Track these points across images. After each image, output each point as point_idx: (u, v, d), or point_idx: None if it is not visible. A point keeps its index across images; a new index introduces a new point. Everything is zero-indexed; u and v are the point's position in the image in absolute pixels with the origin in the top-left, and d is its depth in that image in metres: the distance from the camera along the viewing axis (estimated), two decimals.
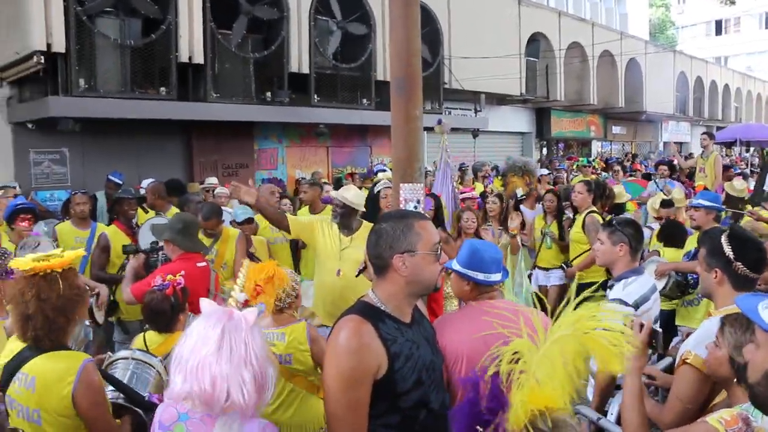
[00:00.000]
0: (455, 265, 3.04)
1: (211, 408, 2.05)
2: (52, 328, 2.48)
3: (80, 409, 2.44)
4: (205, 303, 2.22)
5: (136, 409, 2.73)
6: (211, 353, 2.04)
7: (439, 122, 7.00)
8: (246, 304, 2.48)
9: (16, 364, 2.49)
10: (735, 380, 2.23)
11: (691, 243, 5.72)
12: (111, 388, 2.73)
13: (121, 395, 2.74)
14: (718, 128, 26.00)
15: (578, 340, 1.45)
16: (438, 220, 6.01)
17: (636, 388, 2.49)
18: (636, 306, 3.54)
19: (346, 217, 5.11)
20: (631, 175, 13.97)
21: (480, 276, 2.96)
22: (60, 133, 9.11)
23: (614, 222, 3.88)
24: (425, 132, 5.57)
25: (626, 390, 2.53)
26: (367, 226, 5.33)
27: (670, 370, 3.45)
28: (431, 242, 2.26)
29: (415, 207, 4.88)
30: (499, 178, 8.62)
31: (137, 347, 3.35)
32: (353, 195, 5.22)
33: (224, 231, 5.63)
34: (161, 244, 4.73)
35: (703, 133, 10.58)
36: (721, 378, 2.37)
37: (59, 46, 8.37)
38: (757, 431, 1.98)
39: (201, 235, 5.32)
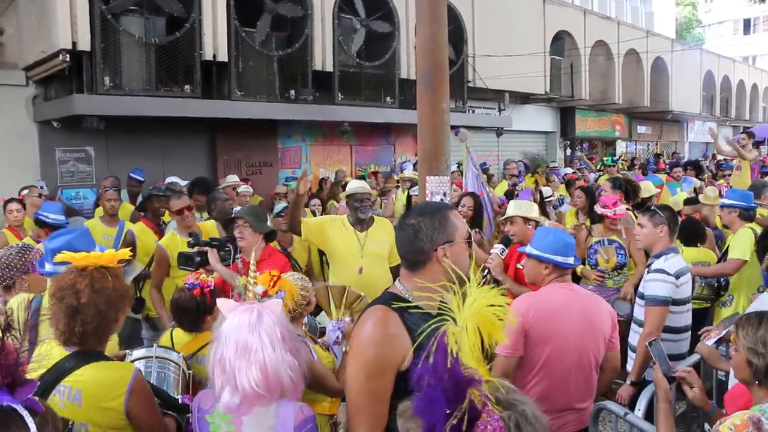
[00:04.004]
0: (533, 251, 3.36)
1: (267, 402, 2.19)
2: (101, 324, 2.40)
3: (135, 419, 2.38)
4: (222, 303, 2.30)
5: (173, 414, 2.69)
6: (255, 353, 2.15)
7: (457, 133, 6.95)
8: (265, 294, 2.44)
9: (55, 376, 2.34)
10: (756, 382, 2.28)
11: (728, 242, 5.63)
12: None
13: (157, 400, 2.66)
14: (745, 128, 25.59)
15: (475, 315, 1.46)
16: (476, 220, 5.84)
17: (667, 411, 2.80)
18: (677, 276, 3.96)
19: (372, 209, 5.06)
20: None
21: (559, 259, 3.27)
22: (85, 131, 9.16)
23: (653, 207, 4.30)
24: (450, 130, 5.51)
25: (659, 413, 2.81)
26: (380, 221, 5.25)
27: (697, 366, 3.77)
28: (465, 230, 2.30)
29: (441, 199, 4.83)
30: (530, 175, 8.56)
31: (163, 344, 3.32)
32: (364, 183, 5.18)
33: (201, 226, 5.47)
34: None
35: (743, 132, 10.25)
36: (744, 380, 2.41)
37: (84, 44, 8.41)
38: None
39: (181, 238, 5.20)
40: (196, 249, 4.49)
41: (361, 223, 5.04)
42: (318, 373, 2.89)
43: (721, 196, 6.75)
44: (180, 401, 2.78)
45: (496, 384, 1.35)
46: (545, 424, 1.33)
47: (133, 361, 2.90)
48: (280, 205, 6.26)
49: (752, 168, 9.40)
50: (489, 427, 1.24)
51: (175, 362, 2.96)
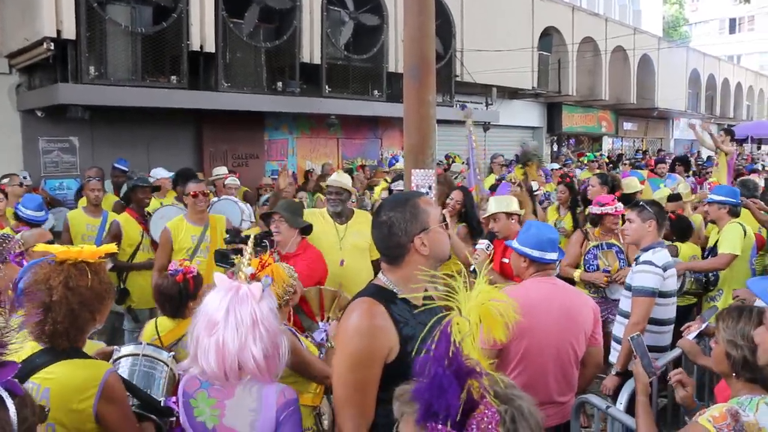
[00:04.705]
0: (514, 243, 3.40)
1: (223, 382, 2.18)
2: (74, 324, 2.26)
3: (105, 423, 2.25)
4: (217, 277, 2.30)
5: (152, 417, 2.56)
6: (217, 331, 2.14)
7: (463, 107, 6.97)
8: (253, 277, 2.43)
9: (24, 372, 2.16)
10: (734, 374, 2.31)
11: (713, 238, 5.69)
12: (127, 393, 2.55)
13: (137, 401, 2.54)
14: (729, 126, 25.82)
15: (478, 308, 1.50)
16: (466, 215, 5.75)
17: (647, 405, 2.85)
18: (664, 269, 4.02)
19: (345, 203, 5.04)
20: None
21: (535, 254, 3.29)
22: (69, 121, 9.08)
23: (641, 202, 4.34)
24: (435, 125, 5.49)
25: (638, 406, 2.87)
26: (360, 213, 5.24)
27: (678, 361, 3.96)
28: (438, 215, 2.30)
29: (427, 193, 4.82)
30: (520, 166, 8.57)
31: (148, 333, 3.31)
32: (345, 179, 5.16)
33: (211, 218, 5.45)
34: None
35: (722, 130, 10.42)
36: (723, 373, 2.44)
37: (69, 32, 8.31)
38: (746, 426, 2.04)
39: (188, 224, 5.25)
40: (231, 246, 4.49)
41: (340, 216, 5.03)
42: (303, 358, 2.89)
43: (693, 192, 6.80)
44: (163, 404, 2.64)
45: (495, 378, 1.36)
46: (539, 421, 1.34)
47: (120, 358, 2.79)
48: (263, 197, 6.24)
49: (728, 164, 9.53)
50: (485, 419, 1.25)
51: (164, 362, 2.84)
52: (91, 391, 2.21)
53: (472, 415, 1.25)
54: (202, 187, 5.34)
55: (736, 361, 2.27)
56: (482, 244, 4.58)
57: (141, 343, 2.94)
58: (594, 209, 5.66)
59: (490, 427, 1.25)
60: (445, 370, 1.29)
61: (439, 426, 1.25)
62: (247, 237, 4.47)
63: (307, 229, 4.63)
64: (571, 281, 5.23)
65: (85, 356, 2.36)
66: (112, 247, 2.52)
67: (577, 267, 5.59)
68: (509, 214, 4.80)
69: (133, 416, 2.40)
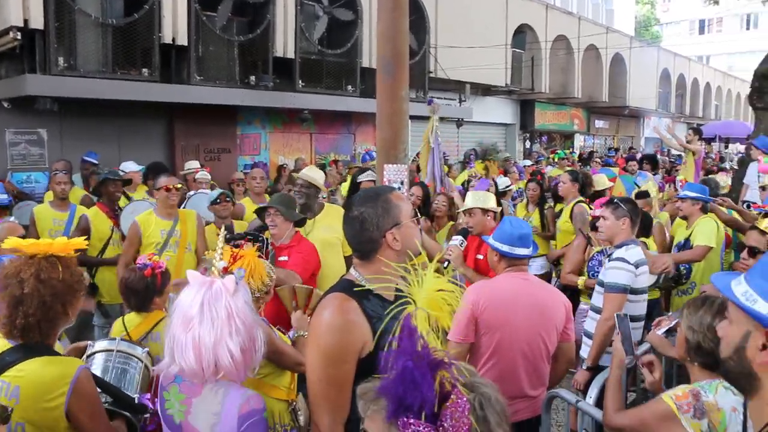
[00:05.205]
0: (489, 239, 3.46)
1: (201, 379, 2.14)
2: (46, 317, 2.25)
3: (76, 422, 2.22)
4: (190, 274, 2.25)
5: (126, 414, 2.55)
6: (193, 328, 2.11)
7: (430, 102, 6.96)
8: (225, 271, 2.41)
9: None
10: (690, 360, 2.40)
11: (680, 234, 5.76)
12: (98, 390, 2.51)
13: (109, 398, 2.52)
14: (698, 125, 26.26)
15: (426, 299, 1.54)
16: (424, 210, 5.83)
17: (618, 378, 2.88)
18: (636, 266, 4.04)
19: (311, 198, 5.02)
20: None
21: (505, 248, 3.33)
22: (38, 112, 8.92)
23: (616, 200, 4.35)
24: (409, 121, 5.49)
25: (610, 379, 2.90)
26: (330, 208, 5.22)
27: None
28: (409, 209, 2.29)
29: (399, 188, 4.81)
30: (481, 161, 8.65)
31: (116, 330, 3.26)
32: (317, 174, 5.14)
33: (181, 213, 5.37)
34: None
35: (690, 129, 10.64)
36: (682, 359, 2.51)
37: (37, 22, 8.16)
38: (706, 405, 2.13)
39: (158, 218, 5.17)
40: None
41: (310, 210, 5.00)
42: (277, 347, 2.86)
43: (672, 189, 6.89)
44: (137, 401, 2.63)
45: (459, 367, 1.37)
46: (504, 406, 1.36)
47: (93, 354, 2.77)
48: (215, 192, 6.13)
49: (696, 162, 9.73)
50: (458, 408, 1.26)
51: (138, 358, 2.82)
52: (62, 389, 2.18)
53: (444, 405, 1.26)
54: (174, 181, 5.28)
55: (690, 345, 2.36)
56: (456, 240, 4.57)
57: (115, 339, 2.92)
58: (597, 212, 5.27)
59: (463, 415, 1.26)
60: (414, 363, 1.29)
61: (411, 420, 1.25)
62: (247, 233, 4.49)
63: (301, 222, 4.69)
64: (575, 290, 5.18)
65: (56, 354, 2.33)
66: (81, 243, 2.49)
67: (580, 274, 5.34)
68: (485, 211, 4.79)
69: (104, 414, 2.37)
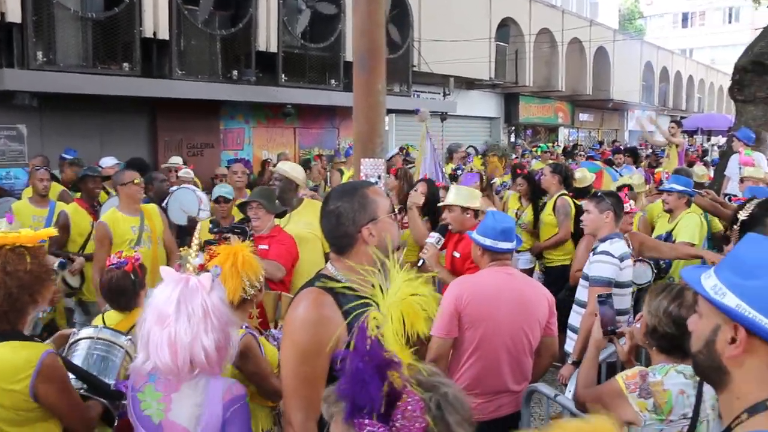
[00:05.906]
0: (473, 233, 3.46)
1: (177, 376, 2.16)
2: (14, 307, 2.31)
3: (44, 401, 2.30)
4: (164, 271, 2.26)
5: (101, 399, 2.58)
6: (169, 325, 2.12)
7: (417, 112, 6.95)
8: (201, 268, 2.40)
9: None
10: (649, 344, 2.48)
11: (662, 226, 5.75)
12: (73, 377, 2.54)
13: (84, 385, 2.57)
14: (682, 118, 26.45)
15: (399, 304, 1.51)
16: (429, 209, 5.41)
17: (593, 357, 2.94)
18: (621, 259, 4.07)
19: (286, 192, 4.99)
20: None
21: (488, 242, 3.33)
22: (16, 108, 8.79)
23: (599, 194, 4.38)
24: (393, 115, 5.48)
25: (587, 356, 2.97)
26: (310, 203, 5.15)
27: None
28: (387, 205, 2.28)
29: (376, 182, 4.76)
30: (480, 157, 8.63)
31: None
32: (292, 168, 5.12)
33: (143, 208, 5.28)
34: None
35: (672, 121, 10.72)
36: (643, 345, 2.58)
37: (14, 15, 8.05)
38: (651, 384, 2.26)
39: (124, 215, 5.09)
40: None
41: (287, 204, 4.97)
42: (262, 371, 2.82)
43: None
44: (113, 387, 2.65)
45: (418, 367, 1.36)
46: (467, 407, 1.34)
47: (77, 341, 2.81)
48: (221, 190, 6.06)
49: (679, 155, 9.80)
50: (409, 407, 1.25)
51: (120, 346, 2.83)
52: (27, 371, 2.26)
53: (396, 405, 1.26)
54: (135, 175, 5.22)
55: (648, 329, 2.43)
56: (432, 237, 4.42)
57: (98, 326, 2.93)
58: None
59: (415, 414, 1.25)
60: (365, 364, 1.28)
61: (366, 421, 1.24)
62: (233, 227, 4.49)
63: (281, 214, 4.78)
64: None
65: (25, 338, 2.39)
66: (50, 231, 2.57)
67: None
68: (465, 208, 4.53)
69: (75, 395, 2.44)
